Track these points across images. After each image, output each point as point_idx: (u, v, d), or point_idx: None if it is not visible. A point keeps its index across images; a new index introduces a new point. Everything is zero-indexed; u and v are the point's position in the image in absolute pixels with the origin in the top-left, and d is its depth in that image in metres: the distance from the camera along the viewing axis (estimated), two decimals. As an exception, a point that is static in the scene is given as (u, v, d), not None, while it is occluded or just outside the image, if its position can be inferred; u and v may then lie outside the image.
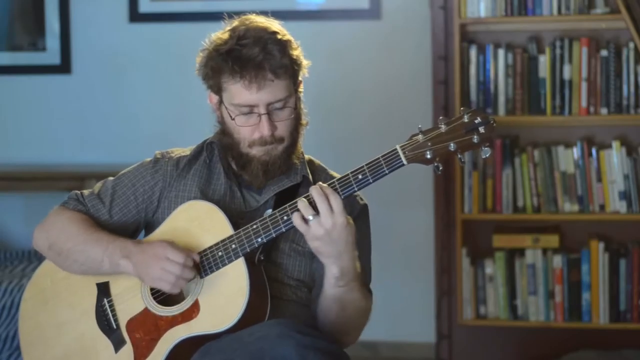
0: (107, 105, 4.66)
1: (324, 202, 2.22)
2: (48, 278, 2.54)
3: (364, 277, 2.46)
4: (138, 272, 2.36)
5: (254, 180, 2.43)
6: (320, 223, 2.23)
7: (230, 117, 2.39)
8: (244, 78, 2.34)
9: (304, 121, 2.46)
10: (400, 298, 4.50)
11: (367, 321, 2.47)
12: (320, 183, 2.27)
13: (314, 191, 2.24)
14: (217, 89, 2.41)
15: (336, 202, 2.23)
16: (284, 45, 2.37)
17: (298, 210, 2.25)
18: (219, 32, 2.42)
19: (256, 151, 2.40)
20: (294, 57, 2.39)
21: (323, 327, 2.41)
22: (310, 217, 2.23)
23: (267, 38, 2.36)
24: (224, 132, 2.44)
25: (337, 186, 2.26)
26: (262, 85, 2.34)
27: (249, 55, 2.34)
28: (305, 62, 2.43)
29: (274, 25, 2.41)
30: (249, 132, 2.39)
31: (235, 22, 2.42)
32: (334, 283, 2.31)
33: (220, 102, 2.42)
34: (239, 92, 2.36)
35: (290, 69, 2.37)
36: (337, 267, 2.29)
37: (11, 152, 4.72)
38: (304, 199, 2.25)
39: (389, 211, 4.43)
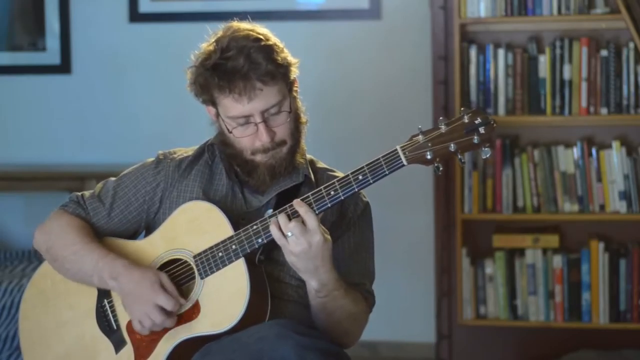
0: (107, 105, 4.66)
1: (299, 223, 2.22)
2: (48, 279, 2.54)
3: (363, 277, 2.46)
4: (123, 299, 2.37)
5: (260, 185, 2.43)
6: (298, 242, 2.23)
7: (228, 130, 2.38)
8: (233, 92, 2.32)
9: (303, 119, 2.45)
10: (400, 298, 4.50)
11: (364, 324, 2.46)
12: (297, 201, 2.26)
13: (290, 210, 2.24)
14: (212, 103, 2.40)
15: (311, 220, 2.23)
16: (268, 51, 2.34)
17: (277, 222, 2.25)
18: (205, 45, 2.39)
19: (260, 158, 2.39)
20: (280, 61, 2.35)
21: (323, 332, 2.40)
22: (289, 234, 2.23)
23: (250, 47, 2.33)
24: (226, 143, 2.43)
25: (338, 187, 2.26)
26: (253, 96, 2.32)
27: (234, 67, 2.31)
28: (294, 61, 2.39)
29: (257, 30, 2.38)
30: (249, 141, 2.38)
31: (219, 33, 2.39)
32: (315, 295, 2.32)
33: (218, 114, 2.41)
34: (231, 105, 2.34)
35: (278, 74, 2.35)
36: (315, 281, 2.29)
37: (11, 152, 4.72)
38: (283, 213, 2.25)
39: (390, 211, 4.42)
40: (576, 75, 4.12)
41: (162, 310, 2.30)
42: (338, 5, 4.48)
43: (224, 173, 2.48)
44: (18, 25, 4.71)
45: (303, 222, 2.23)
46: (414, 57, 4.43)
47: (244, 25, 2.39)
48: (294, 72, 2.40)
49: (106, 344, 2.42)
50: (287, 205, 2.27)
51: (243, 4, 4.40)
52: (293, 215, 2.25)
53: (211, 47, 2.37)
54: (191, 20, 4.56)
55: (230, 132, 2.38)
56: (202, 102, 2.42)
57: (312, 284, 2.30)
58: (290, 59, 2.39)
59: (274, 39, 2.38)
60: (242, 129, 2.37)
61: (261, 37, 2.36)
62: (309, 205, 2.25)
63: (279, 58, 2.36)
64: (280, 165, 2.40)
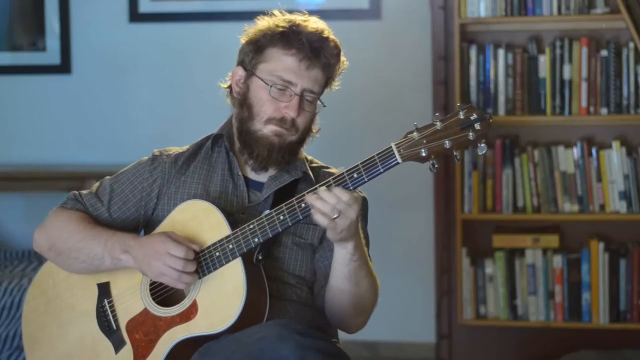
0: (107, 105, 4.66)
1: (340, 202, 2.22)
2: (50, 279, 2.54)
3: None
4: (140, 266, 2.37)
5: (254, 161, 2.44)
6: (346, 216, 2.23)
7: (266, 84, 2.40)
8: (301, 52, 2.39)
9: (314, 129, 2.49)
10: (400, 298, 4.50)
11: (375, 302, 2.47)
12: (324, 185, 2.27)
13: (325, 195, 2.24)
14: (255, 62, 2.43)
15: (346, 195, 2.23)
16: (338, 48, 2.45)
17: (320, 212, 2.24)
18: (279, 14, 2.46)
19: (268, 130, 2.41)
20: (339, 65, 2.46)
21: (337, 311, 2.42)
22: (335, 215, 2.23)
23: (327, 35, 2.43)
24: (244, 103, 2.45)
25: (333, 185, 2.25)
26: (311, 67, 2.40)
27: (310, 38, 2.40)
28: (337, 82, 2.49)
29: (329, 29, 2.47)
30: (272, 108, 2.40)
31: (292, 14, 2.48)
32: (349, 259, 2.32)
33: (251, 74, 2.43)
34: (287, 64, 2.39)
35: (333, 70, 2.44)
36: (352, 243, 2.30)
37: (11, 152, 4.72)
38: (319, 201, 2.24)
39: (389, 211, 4.42)
40: (576, 75, 4.12)
41: (177, 257, 2.30)
42: (338, 5, 4.47)
43: (226, 166, 2.49)
44: (18, 25, 4.71)
45: (344, 202, 2.23)
46: (414, 57, 4.43)
47: None
48: (330, 88, 2.49)
49: (106, 344, 2.43)
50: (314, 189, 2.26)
51: (243, 4, 4.39)
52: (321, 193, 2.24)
53: (288, 17, 2.44)
54: (191, 20, 4.56)
55: (270, 86, 2.39)
56: (240, 61, 2.46)
57: (348, 248, 2.30)
58: (339, 76, 2.49)
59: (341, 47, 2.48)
60: (278, 92, 2.40)
61: (336, 38, 2.46)
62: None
63: (340, 63, 2.46)
64: (280, 149, 2.41)
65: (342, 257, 2.33)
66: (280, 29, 2.42)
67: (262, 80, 2.41)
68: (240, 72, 2.47)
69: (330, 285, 2.39)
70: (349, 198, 2.23)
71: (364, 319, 2.48)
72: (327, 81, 2.46)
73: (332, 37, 2.44)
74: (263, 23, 2.45)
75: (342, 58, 2.47)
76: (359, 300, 2.40)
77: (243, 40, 2.48)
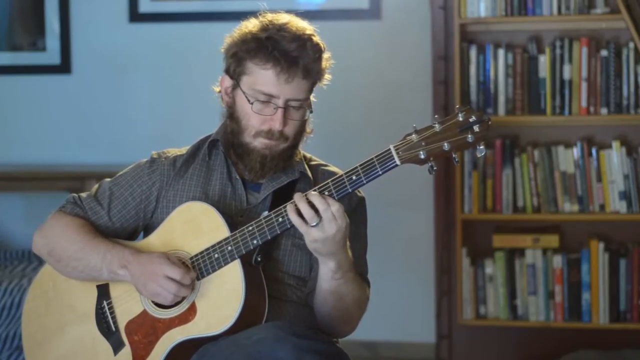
0: (107, 105, 4.66)
1: (326, 211, 2.22)
2: (50, 280, 2.54)
3: (360, 267, 2.47)
4: (135, 283, 2.38)
5: (249, 172, 2.44)
6: (324, 229, 2.22)
7: (248, 100, 2.39)
8: (277, 66, 2.35)
9: (308, 129, 2.48)
10: (400, 298, 4.50)
11: (364, 311, 2.47)
12: (318, 190, 2.26)
13: (315, 199, 2.23)
14: (238, 72, 2.41)
15: (337, 209, 2.22)
16: (319, 51, 2.41)
17: (299, 213, 2.24)
18: (257, 19, 2.42)
19: (258, 143, 2.40)
20: (323, 65, 2.42)
21: (321, 319, 2.42)
22: (314, 223, 2.22)
23: (306, 38, 2.38)
24: (232, 116, 2.44)
25: (331, 187, 2.26)
26: (291, 80, 2.36)
27: (287, 48, 2.36)
28: (327, 75, 2.45)
29: (311, 29, 2.43)
30: (259, 121, 2.39)
31: (274, 15, 2.43)
32: (331, 276, 2.31)
33: (236, 86, 2.42)
34: (266, 78, 2.37)
35: (316, 74, 2.40)
36: (334, 262, 2.29)
37: (11, 152, 4.73)
38: (304, 203, 2.24)
39: (389, 211, 4.42)
40: (576, 75, 4.12)
41: (173, 280, 2.30)
42: (338, 5, 4.47)
43: (224, 169, 2.49)
44: (18, 25, 4.71)
45: (331, 212, 2.22)
46: (414, 57, 4.43)
47: (299, 19, 2.45)
48: (322, 84, 2.45)
49: (105, 345, 2.43)
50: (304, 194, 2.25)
51: (243, 4, 4.37)
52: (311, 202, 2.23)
53: (266, 22, 2.40)
54: (191, 20, 4.56)
55: (251, 103, 2.38)
56: (227, 68, 2.44)
57: (330, 266, 2.29)
58: (327, 71, 2.45)
59: (323, 44, 2.44)
60: (261, 105, 2.38)
61: (316, 35, 2.42)
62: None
63: (323, 62, 2.42)
64: (272, 159, 2.41)
65: (324, 273, 2.32)
66: (254, 44, 2.38)
67: (244, 94, 2.40)
68: (227, 81, 2.45)
69: (316, 294, 2.39)
70: (337, 209, 2.21)
71: (349, 328, 2.47)
72: (313, 83, 2.43)
73: (312, 39, 2.40)
74: (239, 33, 2.41)
75: (326, 55, 2.43)
76: (344, 312, 2.40)
77: (222, 50, 2.46)
